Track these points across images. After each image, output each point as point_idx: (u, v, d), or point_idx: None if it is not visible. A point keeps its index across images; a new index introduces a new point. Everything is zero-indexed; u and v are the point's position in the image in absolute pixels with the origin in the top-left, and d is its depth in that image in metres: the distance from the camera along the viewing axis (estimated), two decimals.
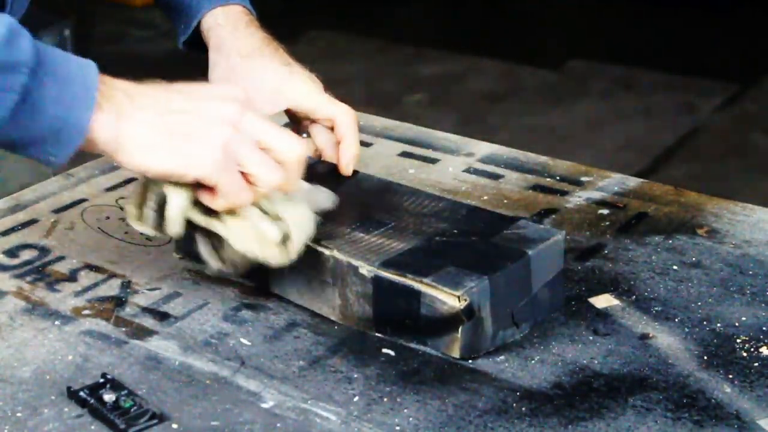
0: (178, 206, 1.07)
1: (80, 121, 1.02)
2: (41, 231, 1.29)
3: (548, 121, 4.10)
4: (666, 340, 1.10)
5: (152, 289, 1.19)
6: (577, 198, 1.37)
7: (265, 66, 1.29)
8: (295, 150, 1.07)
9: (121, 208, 1.34)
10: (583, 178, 1.42)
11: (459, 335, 1.05)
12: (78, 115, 1.02)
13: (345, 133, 1.26)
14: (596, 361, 1.07)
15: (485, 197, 1.37)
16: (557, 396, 1.03)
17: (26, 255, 1.25)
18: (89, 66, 1.05)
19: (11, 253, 1.25)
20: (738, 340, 1.10)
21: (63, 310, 1.15)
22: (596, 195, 1.38)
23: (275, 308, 1.15)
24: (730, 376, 1.05)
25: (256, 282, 1.18)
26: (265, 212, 1.08)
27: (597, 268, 1.22)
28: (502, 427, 0.99)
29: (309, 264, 1.12)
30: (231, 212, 1.07)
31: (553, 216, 1.33)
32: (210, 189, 1.06)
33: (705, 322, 1.13)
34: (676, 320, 1.13)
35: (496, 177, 1.42)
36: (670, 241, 1.27)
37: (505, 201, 1.36)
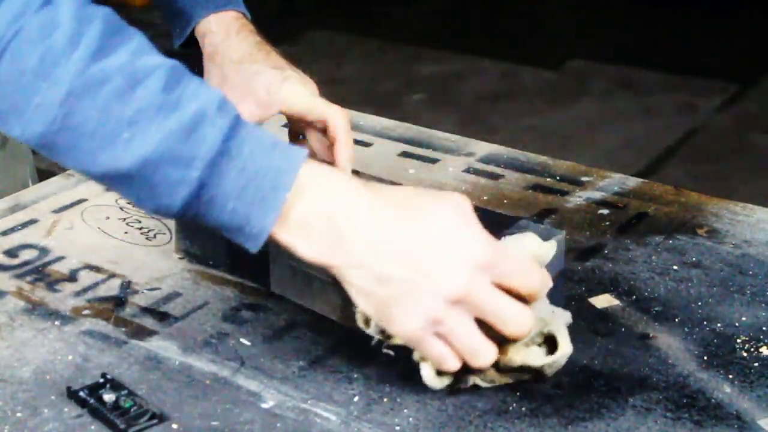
0: (427, 373, 1.01)
1: (263, 223, 0.94)
2: (41, 231, 1.29)
3: (548, 121, 4.11)
4: (666, 340, 1.10)
5: (152, 289, 1.19)
6: (577, 198, 1.37)
7: (256, 71, 1.29)
8: (522, 328, 0.97)
9: (121, 208, 1.34)
10: (583, 178, 1.42)
11: None
12: (260, 218, 0.94)
13: (338, 134, 1.26)
14: (596, 361, 1.07)
15: (485, 197, 1.37)
16: (557, 396, 1.03)
17: (26, 255, 1.25)
18: (294, 157, 0.95)
19: (11, 253, 1.25)
20: (738, 340, 1.10)
21: (63, 310, 1.15)
22: (596, 195, 1.38)
23: (275, 308, 1.15)
24: (730, 376, 1.05)
25: (256, 282, 1.18)
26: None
27: (597, 268, 1.22)
28: (502, 427, 0.99)
29: (309, 264, 1.12)
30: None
31: (553, 216, 1.33)
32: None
33: (705, 322, 1.13)
34: (676, 320, 1.13)
35: (496, 177, 1.42)
36: (670, 241, 1.27)
37: (505, 201, 1.36)
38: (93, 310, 1.15)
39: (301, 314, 1.14)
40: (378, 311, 0.96)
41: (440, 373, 1.00)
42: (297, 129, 1.32)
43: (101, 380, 1.03)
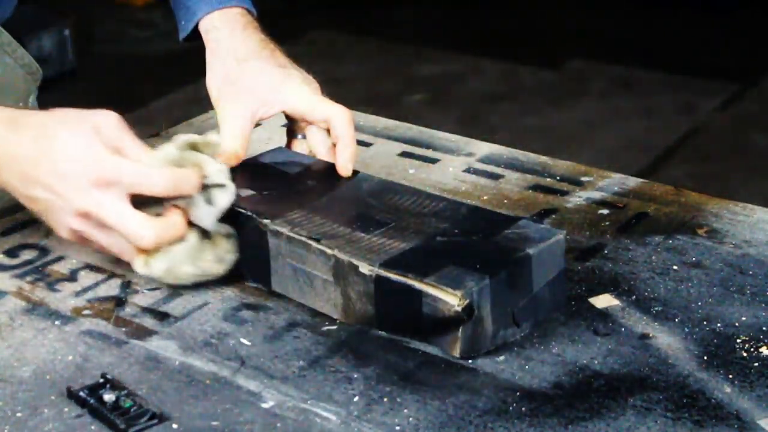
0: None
1: None
2: (41, 231, 1.29)
3: (548, 121, 4.11)
4: (666, 340, 1.10)
5: (152, 289, 1.19)
6: (577, 198, 1.37)
7: (260, 69, 1.29)
8: (144, 240, 1.11)
9: None
10: (583, 178, 1.42)
11: (459, 335, 1.05)
12: None
13: (340, 134, 1.26)
14: (596, 361, 1.07)
15: (485, 197, 1.37)
16: (557, 396, 1.03)
17: (26, 255, 1.25)
18: None
19: (11, 253, 1.25)
20: (738, 340, 1.10)
21: (63, 310, 1.15)
22: (596, 195, 1.38)
23: (275, 308, 1.15)
24: (730, 376, 1.05)
25: (257, 281, 1.18)
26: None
27: (597, 268, 1.22)
28: (502, 427, 0.99)
29: (311, 262, 1.12)
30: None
31: (553, 216, 1.33)
32: None
33: (705, 322, 1.13)
34: (676, 320, 1.13)
35: (496, 177, 1.42)
36: (670, 241, 1.27)
37: (505, 201, 1.36)
38: (93, 310, 1.15)
39: (301, 314, 1.14)
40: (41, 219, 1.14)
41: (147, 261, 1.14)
42: (297, 129, 1.32)
43: (101, 380, 1.03)
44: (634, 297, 1.17)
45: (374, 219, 1.16)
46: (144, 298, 1.17)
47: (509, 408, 1.01)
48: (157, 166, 1.12)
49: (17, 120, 1.13)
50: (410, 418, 1.00)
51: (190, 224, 1.13)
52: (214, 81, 1.31)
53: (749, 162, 3.78)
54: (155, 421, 0.99)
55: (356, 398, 1.02)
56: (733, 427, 0.99)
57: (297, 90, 1.28)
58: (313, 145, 1.30)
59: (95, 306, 1.16)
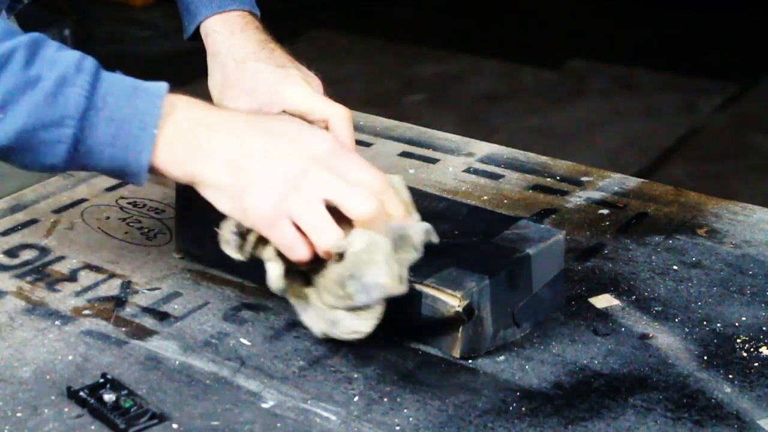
0: (274, 272, 1.07)
1: (139, 162, 1.04)
2: (41, 231, 1.29)
3: (548, 121, 4.11)
4: (666, 340, 1.10)
5: (152, 289, 1.19)
6: (577, 198, 1.37)
7: (259, 70, 1.29)
8: (364, 208, 1.03)
9: (122, 208, 1.34)
10: (583, 178, 1.42)
11: (459, 335, 1.05)
12: (136, 158, 1.04)
13: (339, 135, 1.26)
14: (596, 361, 1.07)
15: (485, 197, 1.37)
16: (557, 396, 1.03)
17: (26, 255, 1.25)
18: (154, 96, 1.05)
19: (11, 253, 1.25)
20: (738, 340, 1.10)
21: (63, 310, 1.15)
22: (596, 195, 1.38)
23: (275, 308, 1.15)
24: (730, 376, 1.05)
25: (256, 282, 1.18)
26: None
27: (597, 268, 1.22)
28: (502, 427, 0.99)
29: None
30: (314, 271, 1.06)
31: (553, 216, 1.33)
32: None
33: (705, 322, 1.13)
34: (676, 320, 1.13)
35: (496, 177, 1.42)
36: (670, 241, 1.27)
37: (505, 201, 1.36)
38: (93, 310, 1.15)
39: None
40: (233, 204, 1.04)
41: (286, 275, 1.06)
42: None
43: (101, 380, 1.03)
44: (634, 297, 1.17)
45: None
46: (144, 298, 1.17)
47: (509, 408, 1.01)
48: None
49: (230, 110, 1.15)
50: (410, 418, 1.00)
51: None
52: (214, 84, 1.31)
53: (749, 162, 3.78)
54: (155, 421, 0.99)
55: (356, 398, 1.02)
56: (733, 427, 0.99)
57: (296, 90, 1.28)
58: None
59: (95, 306, 1.16)
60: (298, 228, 1.03)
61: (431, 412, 1.00)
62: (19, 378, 1.05)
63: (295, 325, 1.12)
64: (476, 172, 1.43)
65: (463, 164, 1.45)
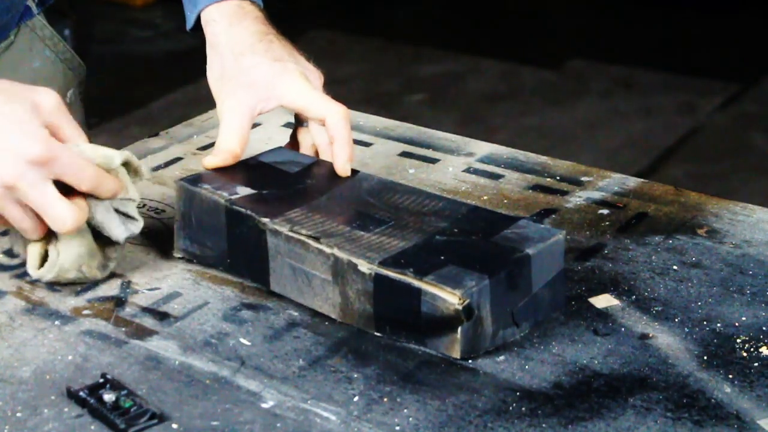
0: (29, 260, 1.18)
1: None
2: None
3: (548, 121, 4.11)
4: (666, 340, 1.10)
5: (152, 289, 1.19)
6: (577, 198, 1.37)
7: (255, 63, 1.28)
8: (65, 225, 1.10)
9: None
10: (583, 178, 1.42)
11: (458, 335, 1.05)
12: None
13: (335, 135, 1.25)
14: (596, 361, 1.07)
15: (485, 197, 1.37)
16: (557, 396, 1.03)
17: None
18: None
19: (11, 253, 1.25)
20: (738, 340, 1.10)
21: (63, 310, 1.15)
22: (596, 195, 1.38)
23: (275, 308, 1.15)
24: (730, 376, 1.05)
25: (256, 281, 1.18)
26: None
27: (597, 268, 1.22)
28: (502, 427, 0.99)
29: (309, 262, 1.12)
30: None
31: (553, 216, 1.33)
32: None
33: (705, 322, 1.13)
34: (676, 320, 1.13)
35: (496, 177, 1.42)
36: (670, 241, 1.27)
37: (505, 201, 1.36)
38: (93, 310, 1.15)
39: (301, 314, 1.14)
40: None
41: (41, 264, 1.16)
42: (302, 118, 1.31)
43: (101, 380, 1.03)
44: (634, 297, 1.17)
45: (374, 218, 1.16)
46: (144, 298, 1.17)
47: (509, 408, 1.01)
48: (86, 159, 1.13)
49: None
50: (410, 418, 1.00)
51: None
52: (212, 75, 1.30)
53: (749, 162, 3.78)
54: (155, 421, 0.99)
55: (356, 398, 1.02)
56: (733, 427, 0.99)
57: (293, 85, 1.27)
58: (314, 136, 1.29)
59: (95, 306, 1.16)
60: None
61: (431, 412, 1.00)
62: (19, 378, 1.05)
63: (295, 325, 1.13)
64: (476, 172, 1.43)
65: (463, 164, 1.45)
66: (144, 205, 1.34)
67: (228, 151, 1.25)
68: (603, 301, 1.16)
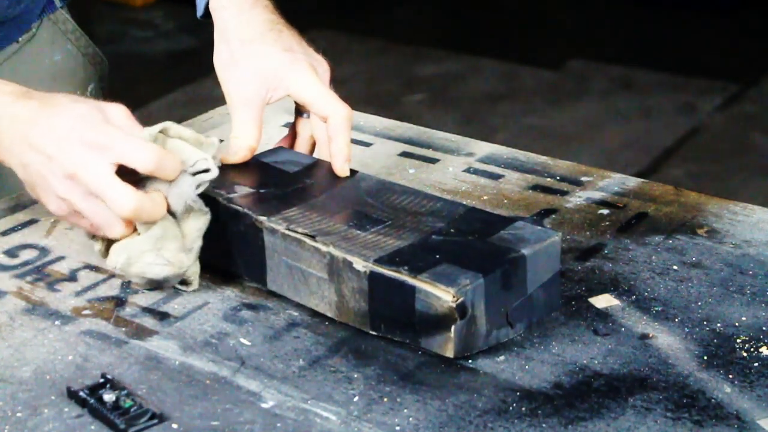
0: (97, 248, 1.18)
1: None
2: (41, 231, 1.29)
3: (548, 121, 4.11)
4: (666, 340, 1.10)
5: (152, 289, 1.18)
6: (577, 198, 1.37)
7: (264, 52, 1.27)
8: (123, 207, 1.09)
9: None
10: (583, 178, 1.42)
11: (452, 334, 1.05)
12: None
13: (334, 135, 1.25)
14: (596, 361, 1.07)
15: (485, 197, 1.37)
16: (557, 396, 1.03)
17: (26, 255, 1.25)
18: None
19: (11, 253, 1.25)
20: (738, 340, 1.10)
21: (63, 310, 1.15)
22: (596, 195, 1.38)
23: (275, 308, 1.15)
24: (730, 376, 1.05)
25: (254, 280, 1.18)
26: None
27: (597, 268, 1.22)
28: (502, 427, 0.99)
29: (305, 260, 1.12)
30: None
31: (553, 216, 1.33)
32: None
33: (705, 322, 1.13)
34: (676, 320, 1.13)
35: (496, 177, 1.42)
36: (670, 241, 1.27)
37: (505, 201, 1.36)
38: (93, 310, 1.15)
39: (301, 314, 1.14)
40: (33, 194, 1.15)
41: (107, 249, 1.15)
42: (303, 108, 1.30)
43: (101, 380, 1.03)
44: (634, 297, 1.17)
45: (371, 217, 1.16)
46: (144, 298, 1.17)
47: (509, 408, 1.01)
48: (147, 141, 1.12)
49: (30, 93, 1.15)
50: (410, 418, 1.00)
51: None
52: (219, 62, 1.28)
53: (749, 162, 3.78)
54: (155, 421, 0.99)
55: (356, 398, 1.02)
56: (733, 427, 0.99)
57: (301, 78, 1.26)
58: (314, 129, 1.29)
59: (95, 306, 1.16)
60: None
61: (431, 412, 1.00)
62: (19, 378, 1.05)
63: (295, 325, 1.13)
64: (476, 172, 1.43)
65: (463, 164, 1.45)
66: None
67: (247, 148, 1.25)
68: (603, 301, 1.16)
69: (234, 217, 1.17)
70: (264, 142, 1.32)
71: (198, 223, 1.14)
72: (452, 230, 1.14)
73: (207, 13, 1.33)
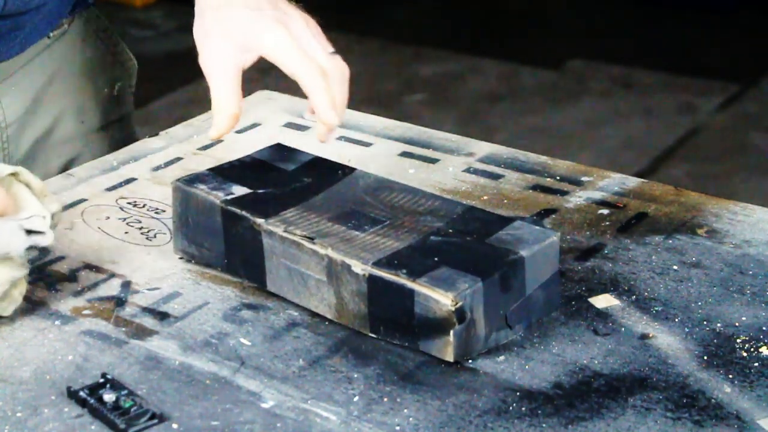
0: None
1: None
2: None
3: (548, 121, 4.11)
4: (666, 340, 1.10)
5: (152, 289, 1.19)
6: (577, 198, 1.37)
7: (230, 16, 1.22)
8: None
9: (122, 208, 1.34)
10: (583, 178, 1.42)
11: (451, 338, 1.05)
12: None
13: (313, 102, 1.19)
14: (596, 361, 1.07)
15: (485, 197, 1.37)
16: (557, 396, 1.03)
17: (26, 255, 1.25)
18: None
19: None
20: (738, 340, 1.10)
21: (63, 310, 1.15)
22: (596, 195, 1.38)
23: (275, 308, 1.15)
24: (730, 376, 1.05)
25: (253, 281, 1.18)
26: None
27: (597, 268, 1.22)
28: (502, 427, 0.99)
29: (304, 262, 1.12)
30: None
31: (553, 216, 1.33)
32: None
33: (705, 322, 1.13)
34: (676, 320, 1.13)
35: (496, 177, 1.42)
36: (670, 241, 1.27)
37: (505, 201, 1.36)
38: (93, 310, 1.15)
39: (301, 314, 1.14)
40: None
41: None
42: None
43: (101, 380, 1.03)
44: (634, 297, 1.17)
45: (369, 217, 1.16)
46: (144, 298, 1.17)
47: (509, 408, 1.01)
48: None
49: None
50: (410, 418, 1.00)
51: None
52: (195, 36, 1.25)
53: (749, 162, 3.78)
54: (155, 421, 0.99)
55: (356, 398, 1.02)
56: (733, 427, 0.99)
57: (268, 37, 1.20)
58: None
59: (95, 306, 1.16)
60: None
61: (431, 412, 1.00)
62: (19, 378, 1.05)
63: (295, 325, 1.13)
64: (476, 172, 1.43)
65: (463, 164, 1.45)
66: (144, 205, 1.34)
67: (229, 116, 1.20)
68: (603, 301, 1.16)
69: (232, 219, 1.17)
70: (264, 142, 1.32)
71: (11, 273, 1.11)
72: (451, 230, 1.14)
73: None
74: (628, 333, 1.11)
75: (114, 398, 1.00)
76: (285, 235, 1.13)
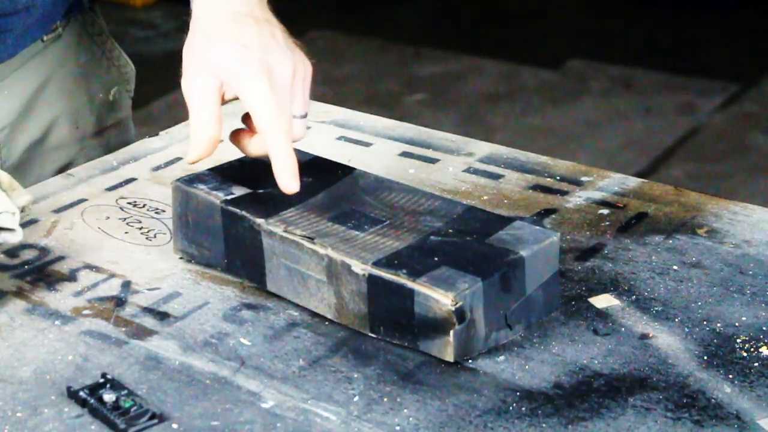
0: None
1: None
2: (41, 231, 1.29)
3: (548, 121, 4.11)
4: (666, 340, 1.10)
5: (152, 289, 1.19)
6: (577, 198, 1.37)
7: (218, 50, 1.17)
8: None
9: (122, 208, 1.34)
10: (583, 178, 1.42)
11: (451, 338, 1.05)
12: None
13: (274, 168, 1.13)
14: (596, 361, 1.07)
15: (485, 197, 1.37)
16: (557, 396, 1.03)
17: (26, 255, 1.25)
18: None
19: (11, 253, 1.25)
20: (738, 340, 1.10)
21: (63, 310, 1.15)
22: (596, 195, 1.38)
23: (275, 308, 1.15)
24: (730, 376, 1.05)
25: (253, 281, 1.18)
26: None
27: (597, 268, 1.22)
28: (502, 427, 0.99)
29: (304, 262, 1.12)
30: None
31: (553, 216, 1.33)
32: None
33: (705, 322, 1.13)
34: (676, 320, 1.13)
35: (496, 177, 1.42)
36: (670, 241, 1.27)
37: (505, 201, 1.36)
38: (93, 310, 1.15)
39: (301, 314, 1.14)
40: None
41: None
42: None
43: (101, 380, 1.03)
44: (634, 297, 1.17)
45: (369, 217, 1.16)
46: (144, 298, 1.17)
47: (509, 408, 1.01)
48: None
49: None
50: (410, 418, 1.00)
51: None
52: (185, 53, 1.20)
53: (749, 162, 3.78)
54: (155, 421, 0.99)
55: (356, 398, 1.02)
56: (733, 427, 0.99)
57: (246, 82, 1.14)
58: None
59: (95, 306, 1.16)
60: None
61: (431, 412, 1.00)
62: (19, 378, 1.05)
63: (295, 325, 1.13)
64: (476, 172, 1.43)
65: (463, 164, 1.45)
66: (144, 205, 1.34)
67: (208, 138, 1.14)
68: (603, 301, 1.16)
69: (232, 219, 1.17)
70: None
71: None
72: (450, 230, 1.14)
73: None
74: (628, 333, 1.11)
75: (114, 398, 1.00)
76: (285, 235, 1.13)
